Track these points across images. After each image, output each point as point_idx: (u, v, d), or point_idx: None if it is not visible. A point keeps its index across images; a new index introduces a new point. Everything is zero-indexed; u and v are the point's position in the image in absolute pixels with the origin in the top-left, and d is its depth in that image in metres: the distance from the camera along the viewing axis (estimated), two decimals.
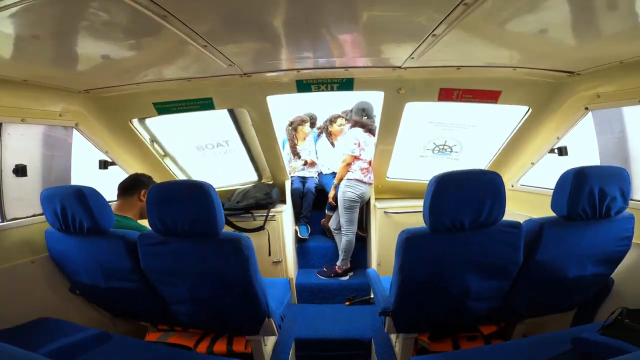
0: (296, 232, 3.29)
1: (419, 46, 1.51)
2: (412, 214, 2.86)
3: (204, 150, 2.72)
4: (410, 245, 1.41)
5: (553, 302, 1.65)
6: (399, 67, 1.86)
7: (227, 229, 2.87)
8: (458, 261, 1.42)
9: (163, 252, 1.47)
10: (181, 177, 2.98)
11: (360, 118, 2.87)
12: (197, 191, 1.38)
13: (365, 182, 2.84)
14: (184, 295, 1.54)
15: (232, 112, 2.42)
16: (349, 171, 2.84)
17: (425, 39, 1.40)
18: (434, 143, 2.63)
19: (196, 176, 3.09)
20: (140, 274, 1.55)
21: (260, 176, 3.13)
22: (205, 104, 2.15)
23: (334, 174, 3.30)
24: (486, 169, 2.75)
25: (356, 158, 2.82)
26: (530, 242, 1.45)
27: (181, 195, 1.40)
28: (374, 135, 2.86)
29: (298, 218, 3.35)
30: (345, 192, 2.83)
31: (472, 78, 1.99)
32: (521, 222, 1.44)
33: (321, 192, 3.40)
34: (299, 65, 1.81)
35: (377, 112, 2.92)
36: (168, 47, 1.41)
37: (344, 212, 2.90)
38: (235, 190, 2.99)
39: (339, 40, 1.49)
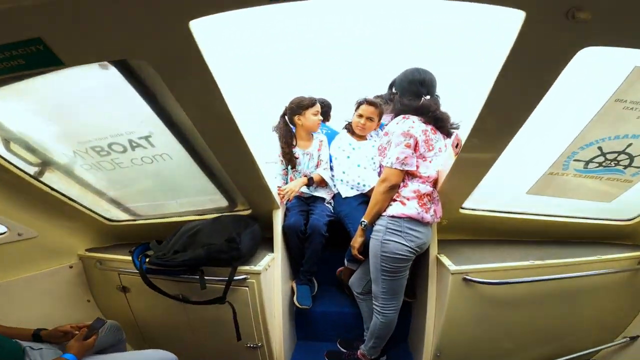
0: (292, 290, 1.92)
1: None
2: (524, 287, 1.50)
3: (108, 154, 1.39)
4: None
5: None
6: None
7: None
8: None
9: None
10: (87, 201, 1.69)
11: (416, 99, 1.44)
12: None
13: (426, 223, 1.44)
14: None
15: (136, 79, 1.04)
16: (395, 200, 1.43)
17: None
18: (600, 149, 1.18)
19: (123, 197, 1.78)
20: None
21: (232, 201, 1.77)
22: (36, 55, 0.82)
23: (363, 198, 1.88)
24: None
25: (410, 175, 1.42)
26: None
27: None
28: (444, 131, 1.46)
29: (296, 271, 1.97)
30: (386, 241, 1.43)
31: None
32: None
33: (337, 225, 1.95)
34: None
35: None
36: None
37: (381, 277, 1.50)
38: (185, 223, 1.66)
39: None
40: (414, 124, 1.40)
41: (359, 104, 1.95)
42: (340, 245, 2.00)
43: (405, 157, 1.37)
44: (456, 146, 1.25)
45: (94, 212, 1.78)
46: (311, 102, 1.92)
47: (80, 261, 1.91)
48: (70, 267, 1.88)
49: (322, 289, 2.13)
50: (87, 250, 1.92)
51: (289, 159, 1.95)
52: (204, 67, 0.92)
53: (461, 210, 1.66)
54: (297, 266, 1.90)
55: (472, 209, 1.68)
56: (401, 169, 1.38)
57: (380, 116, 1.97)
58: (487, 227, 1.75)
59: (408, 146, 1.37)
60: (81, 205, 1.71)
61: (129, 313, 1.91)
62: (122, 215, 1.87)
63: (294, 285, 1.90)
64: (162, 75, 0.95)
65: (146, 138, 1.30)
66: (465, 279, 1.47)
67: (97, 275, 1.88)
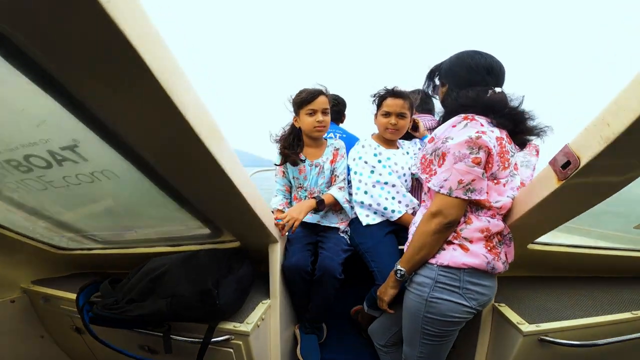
0: (295, 338, 1.49)
1: None
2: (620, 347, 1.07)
3: (29, 169, 0.93)
4: None
5: None
6: None
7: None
8: None
9: None
10: (22, 228, 1.26)
11: (481, 93, 0.96)
12: None
13: (494, 272, 0.98)
14: None
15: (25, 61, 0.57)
16: (450, 243, 0.97)
17: None
18: None
19: (68, 224, 1.33)
20: None
21: (215, 229, 1.30)
22: None
23: (391, 226, 1.41)
24: None
25: (475, 205, 0.95)
26: None
27: None
28: (519, 139, 0.99)
29: (300, 313, 1.51)
30: (435, 300, 0.97)
31: None
32: None
33: (354, 260, 1.45)
34: None
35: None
36: None
37: (421, 340, 1.06)
38: (156, 255, 1.22)
39: None
40: (484, 128, 0.91)
41: (382, 99, 1.45)
42: (357, 278, 1.56)
43: (473, 180, 0.89)
44: (564, 166, 0.77)
45: (35, 240, 1.35)
46: (305, 99, 1.36)
47: (24, 294, 1.51)
48: (12, 301, 1.48)
49: (332, 330, 1.70)
50: (33, 282, 1.51)
51: (286, 156, 1.44)
52: (123, 40, 0.45)
53: (530, 246, 1.20)
54: (302, 309, 1.45)
55: (545, 244, 1.22)
56: (465, 197, 0.91)
57: (412, 110, 1.48)
58: (560, 264, 1.30)
59: (477, 162, 0.89)
60: (14, 232, 1.27)
61: (91, 355, 1.54)
62: (73, 244, 1.44)
63: (298, 332, 1.47)
64: (45, 53, 0.49)
65: (72, 149, 0.83)
66: (542, 340, 1.03)
67: (48, 310, 1.49)
